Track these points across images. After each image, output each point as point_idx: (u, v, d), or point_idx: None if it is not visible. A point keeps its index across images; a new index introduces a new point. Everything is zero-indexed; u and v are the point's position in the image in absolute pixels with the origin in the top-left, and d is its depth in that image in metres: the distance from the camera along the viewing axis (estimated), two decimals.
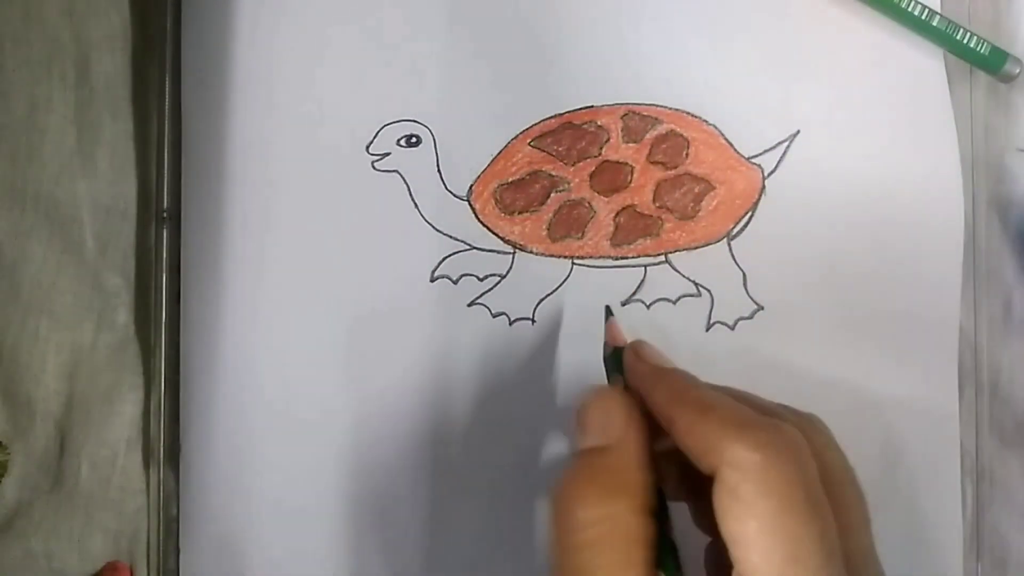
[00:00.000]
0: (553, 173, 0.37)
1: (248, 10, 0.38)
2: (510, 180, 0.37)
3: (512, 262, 0.37)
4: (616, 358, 0.31)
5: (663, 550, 0.26)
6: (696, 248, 0.37)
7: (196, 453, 0.38)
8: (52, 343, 0.38)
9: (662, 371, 0.29)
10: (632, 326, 0.37)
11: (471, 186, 0.37)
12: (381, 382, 0.37)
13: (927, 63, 0.37)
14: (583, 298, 0.37)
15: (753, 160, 0.37)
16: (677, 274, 0.37)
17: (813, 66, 0.37)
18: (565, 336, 0.37)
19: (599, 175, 0.37)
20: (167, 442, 0.38)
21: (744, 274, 0.37)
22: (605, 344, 0.34)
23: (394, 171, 0.38)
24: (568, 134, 0.37)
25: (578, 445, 0.28)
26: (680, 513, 0.29)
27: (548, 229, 0.37)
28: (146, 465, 0.38)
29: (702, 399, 0.27)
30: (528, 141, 0.37)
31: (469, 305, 0.37)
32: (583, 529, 0.25)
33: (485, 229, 0.37)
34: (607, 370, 0.32)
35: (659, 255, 0.37)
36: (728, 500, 0.24)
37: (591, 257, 0.37)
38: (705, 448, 0.25)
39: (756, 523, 0.24)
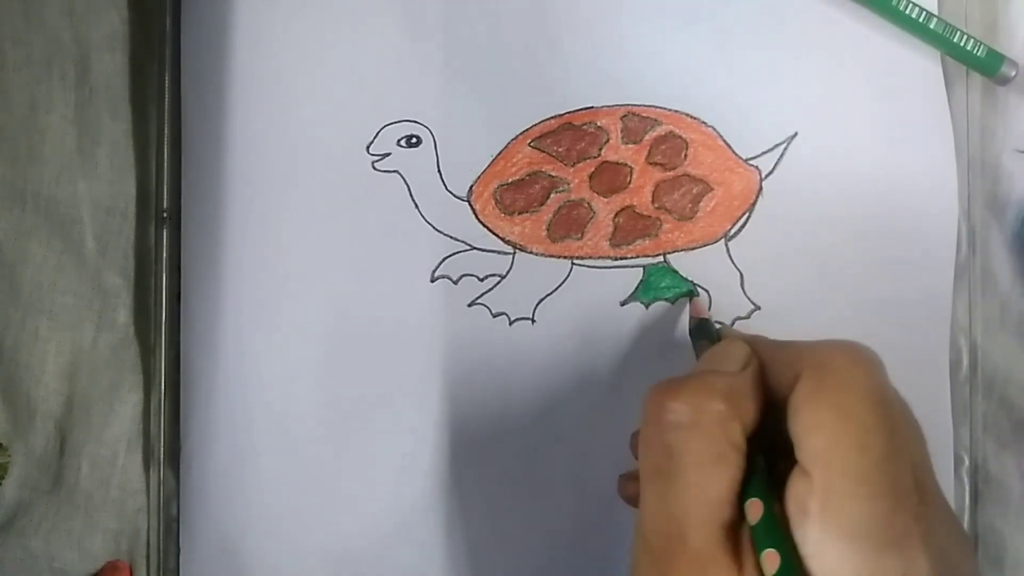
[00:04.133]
0: (553, 174, 0.37)
1: (248, 10, 0.38)
2: (510, 180, 0.37)
3: (512, 262, 0.37)
4: (700, 329, 0.35)
5: (754, 481, 0.26)
6: (694, 249, 0.37)
7: (196, 453, 0.38)
8: (52, 343, 0.38)
9: (746, 334, 0.32)
10: (632, 325, 0.37)
11: (471, 186, 0.38)
12: (381, 382, 0.37)
13: (924, 65, 0.37)
14: (583, 298, 0.37)
15: (751, 161, 0.37)
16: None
17: (811, 68, 0.37)
18: (565, 336, 0.37)
19: (598, 176, 0.37)
20: (167, 442, 0.38)
21: (741, 274, 0.37)
22: (691, 318, 0.36)
23: (394, 171, 0.38)
24: (568, 135, 0.37)
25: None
26: None
27: (548, 229, 0.37)
28: (146, 465, 0.38)
29: (786, 341, 0.29)
30: (528, 142, 0.37)
31: (469, 305, 0.37)
32: (683, 412, 0.26)
33: (485, 229, 0.37)
34: (694, 341, 0.35)
35: (657, 255, 0.37)
36: (808, 393, 0.25)
37: (590, 257, 0.37)
38: (788, 364, 0.27)
39: (831, 411, 0.25)
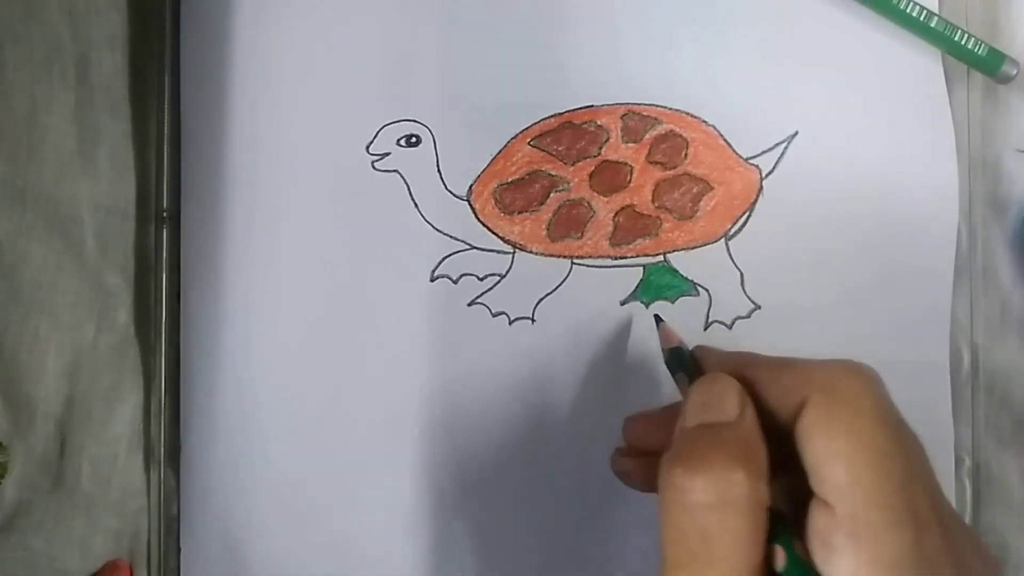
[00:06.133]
0: (553, 173, 0.37)
1: (248, 10, 0.38)
2: (510, 180, 0.37)
3: (512, 262, 0.37)
4: (675, 357, 0.32)
5: (782, 529, 0.25)
6: (694, 248, 0.37)
7: (196, 453, 0.38)
8: (52, 343, 0.38)
9: (733, 352, 0.30)
10: (631, 326, 0.37)
11: (471, 186, 0.38)
12: (381, 382, 0.37)
13: (925, 64, 0.37)
14: (582, 297, 0.37)
15: (751, 161, 0.37)
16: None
17: (811, 67, 0.37)
18: (565, 335, 0.37)
19: (598, 175, 0.37)
20: (167, 442, 0.38)
21: (742, 274, 0.37)
22: (663, 349, 0.33)
23: (394, 171, 0.38)
24: (568, 134, 0.37)
25: (687, 426, 0.27)
26: None
27: (548, 229, 0.37)
28: (146, 465, 0.38)
29: (779, 358, 0.27)
30: (528, 141, 0.37)
31: (469, 305, 0.37)
32: (707, 493, 0.24)
33: (485, 229, 0.37)
34: (671, 370, 0.32)
35: (658, 255, 0.37)
36: (819, 420, 0.24)
37: (590, 257, 0.37)
38: (792, 387, 0.26)
39: (846, 439, 0.24)
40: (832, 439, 0.24)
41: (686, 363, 0.31)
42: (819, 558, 0.24)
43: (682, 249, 0.37)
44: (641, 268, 0.37)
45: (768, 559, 0.24)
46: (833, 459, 0.24)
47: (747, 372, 0.27)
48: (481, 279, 0.37)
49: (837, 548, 0.23)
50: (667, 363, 0.33)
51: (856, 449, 0.24)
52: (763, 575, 0.24)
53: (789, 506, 0.25)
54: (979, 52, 0.36)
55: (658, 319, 0.36)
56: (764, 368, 0.27)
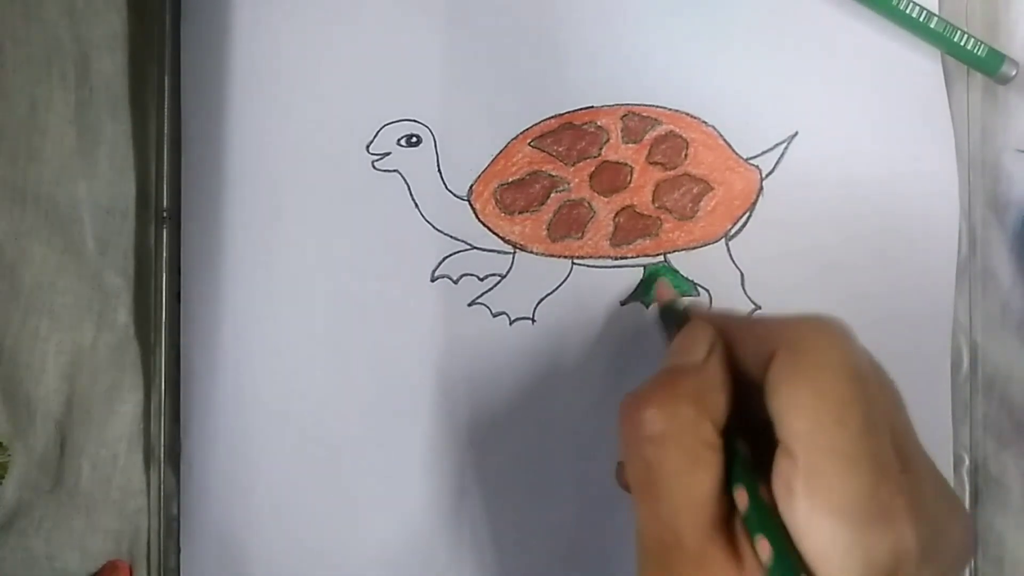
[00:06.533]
0: (553, 173, 0.37)
1: (248, 10, 0.38)
2: (510, 180, 0.37)
3: (512, 262, 0.37)
4: (667, 313, 0.34)
5: (737, 468, 0.26)
6: (695, 248, 0.37)
7: (196, 453, 0.38)
8: (52, 343, 0.38)
9: (721, 310, 0.33)
10: (632, 325, 0.37)
11: (471, 186, 0.38)
12: (381, 382, 0.37)
13: (925, 64, 0.37)
14: (583, 298, 0.37)
15: (751, 161, 0.37)
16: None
17: (811, 68, 0.37)
18: (565, 336, 0.37)
19: (599, 175, 0.37)
20: (167, 442, 0.38)
21: (742, 274, 0.37)
22: (657, 302, 0.35)
23: (394, 171, 0.38)
24: (568, 134, 0.37)
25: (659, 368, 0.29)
26: None
27: (548, 229, 0.37)
28: (146, 465, 0.38)
29: (757, 317, 0.29)
30: (528, 141, 0.37)
31: (469, 305, 0.37)
32: (653, 424, 0.26)
33: (485, 229, 0.37)
34: (664, 327, 0.34)
35: (658, 255, 0.37)
36: (783, 372, 0.26)
37: (591, 257, 0.37)
38: (763, 342, 0.27)
39: (808, 390, 0.25)
40: (795, 390, 0.25)
41: (679, 318, 0.32)
42: (781, 503, 0.25)
43: (682, 249, 0.37)
44: (641, 268, 0.37)
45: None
46: (795, 409, 0.25)
47: (727, 328, 0.29)
48: (481, 279, 0.37)
49: (796, 493, 0.24)
50: (660, 317, 0.34)
51: (817, 400, 0.25)
52: (726, 517, 0.26)
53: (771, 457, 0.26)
54: (979, 52, 0.36)
55: (656, 272, 0.36)
56: (741, 324, 0.29)
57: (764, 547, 0.25)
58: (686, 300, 0.36)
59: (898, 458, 0.25)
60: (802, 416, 0.25)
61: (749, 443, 0.27)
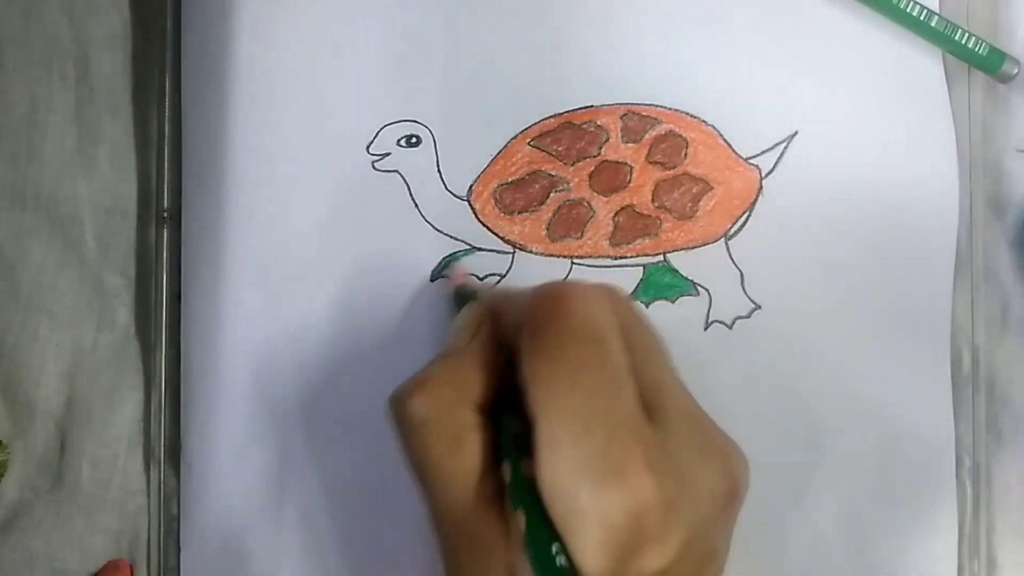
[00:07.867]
0: (552, 173, 0.37)
1: (248, 10, 0.38)
2: (510, 180, 0.37)
3: (512, 262, 0.37)
4: (459, 296, 0.35)
5: (504, 444, 0.27)
6: (694, 248, 0.37)
7: (196, 453, 0.38)
8: (52, 343, 0.38)
9: (501, 288, 0.34)
10: None
11: (471, 186, 0.38)
12: (381, 382, 0.37)
13: (925, 63, 0.37)
14: None
15: (751, 160, 0.37)
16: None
17: (811, 67, 0.37)
18: None
19: (598, 175, 0.37)
20: (167, 442, 0.38)
21: (742, 273, 0.37)
22: (452, 287, 0.36)
23: (394, 171, 0.38)
24: (568, 134, 0.37)
25: None
26: None
27: (547, 229, 0.37)
28: (146, 465, 0.38)
29: (516, 290, 0.30)
30: (528, 141, 0.37)
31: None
32: (414, 413, 0.27)
33: (485, 229, 0.37)
34: (455, 311, 0.34)
35: (657, 255, 0.37)
36: (524, 344, 0.26)
37: (590, 257, 0.37)
38: (516, 315, 0.28)
39: (544, 357, 0.26)
40: (532, 359, 0.26)
41: (468, 299, 0.33)
42: (535, 471, 0.25)
43: (682, 249, 0.37)
44: (641, 268, 0.37)
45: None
46: (534, 379, 0.26)
47: (496, 306, 0.30)
48: (481, 279, 0.37)
49: (540, 461, 0.25)
50: (454, 301, 0.35)
51: (551, 366, 0.26)
52: (499, 493, 0.27)
53: None
54: (980, 51, 0.36)
55: (452, 259, 0.37)
56: (504, 300, 0.30)
57: (519, 519, 0.25)
58: (478, 283, 0.36)
59: (646, 410, 0.26)
60: (539, 383, 0.25)
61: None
